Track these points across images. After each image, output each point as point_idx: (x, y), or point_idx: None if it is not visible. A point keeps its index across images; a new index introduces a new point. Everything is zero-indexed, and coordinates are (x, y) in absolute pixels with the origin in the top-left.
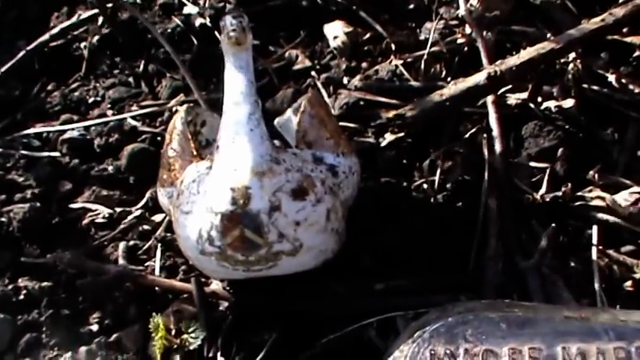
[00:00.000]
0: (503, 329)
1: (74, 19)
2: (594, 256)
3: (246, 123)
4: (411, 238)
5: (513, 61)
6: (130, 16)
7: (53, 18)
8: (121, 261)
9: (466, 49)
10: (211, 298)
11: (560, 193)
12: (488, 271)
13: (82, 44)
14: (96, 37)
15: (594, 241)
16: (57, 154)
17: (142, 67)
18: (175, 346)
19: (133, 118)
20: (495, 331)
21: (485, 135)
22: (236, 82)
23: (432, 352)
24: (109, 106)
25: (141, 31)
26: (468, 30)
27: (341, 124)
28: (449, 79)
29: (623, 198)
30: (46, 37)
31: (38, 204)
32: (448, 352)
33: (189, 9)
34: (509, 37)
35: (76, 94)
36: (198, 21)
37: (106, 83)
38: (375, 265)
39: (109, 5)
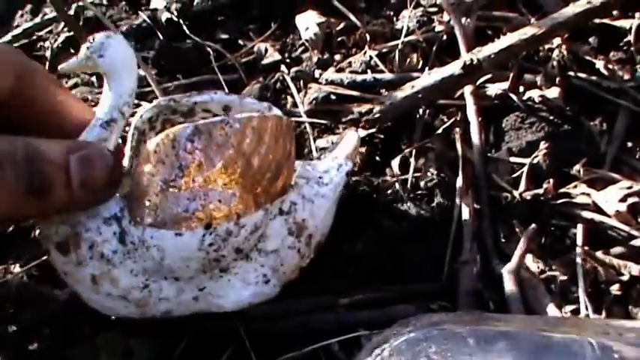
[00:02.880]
0: (471, 345)
1: (38, 19)
2: (579, 258)
3: None
4: (381, 242)
5: (491, 48)
6: (94, 14)
7: (17, 16)
8: None
9: (445, 37)
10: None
11: (541, 191)
12: (463, 276)
13: (46, 44)
14: (60, 38)
15: (579, 241)
16: None
17: None
18: None
19: None
20: (462, 348)
21: (460, 129)
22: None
23: None
24: None
25: (105, 29)
26: (446, 17)
27: (310, 120)
28: (426, 69)
29: (611, 194)
30: (8, 37)
31: None
32: None
33: (156, 3)
34: (490, 24)
35: None
36: (165, 15)
37: (68, 83)
38: (343, 272)
39: (73, 6)
